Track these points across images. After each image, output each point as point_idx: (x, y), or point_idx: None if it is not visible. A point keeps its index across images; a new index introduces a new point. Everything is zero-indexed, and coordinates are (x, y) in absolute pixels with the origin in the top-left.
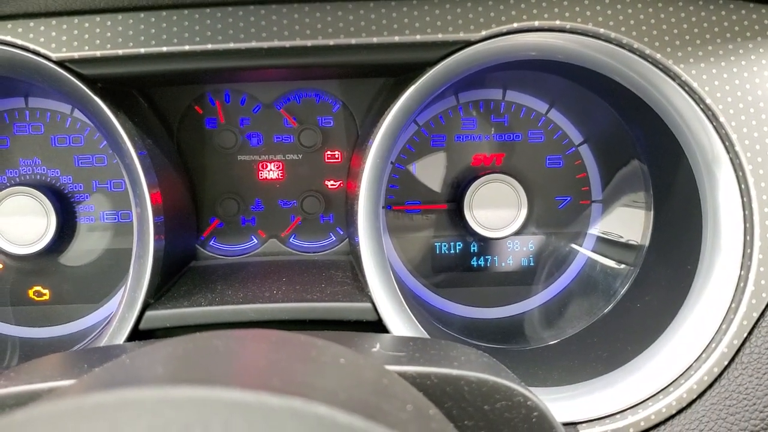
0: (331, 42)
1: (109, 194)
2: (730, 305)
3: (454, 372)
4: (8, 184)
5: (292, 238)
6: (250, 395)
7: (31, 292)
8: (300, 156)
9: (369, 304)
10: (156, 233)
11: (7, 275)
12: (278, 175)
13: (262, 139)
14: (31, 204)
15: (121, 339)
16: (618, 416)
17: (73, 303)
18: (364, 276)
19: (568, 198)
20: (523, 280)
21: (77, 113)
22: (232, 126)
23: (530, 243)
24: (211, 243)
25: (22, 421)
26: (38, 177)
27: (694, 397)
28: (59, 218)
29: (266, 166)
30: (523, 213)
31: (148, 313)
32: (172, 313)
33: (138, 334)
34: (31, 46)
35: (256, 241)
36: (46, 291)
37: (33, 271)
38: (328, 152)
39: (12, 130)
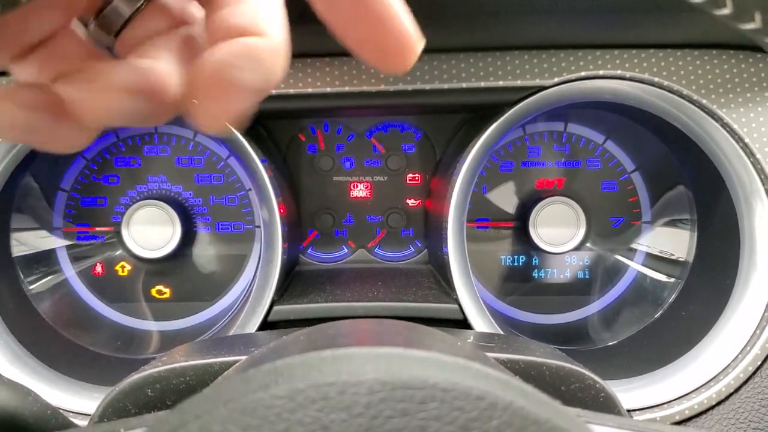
0: (428, 87)
1: (223, 208)
2: (763, 314)
3: (538, 359)
4: (138, 198)
5: (377, 249)
6: (424, 354)
7: (153, 291)
8: (386, 178)
9: (456, 306)
10: (283, 241)
11: (136, 276)
12: (367, 194)
13: (354, 163)
14: (159, 214)
15: (252, 329)
16: (666, 406)
17: (191, 301)
18: (451, 281)
19: (621, 218)
20: (580, 290)
21: (199, 137)
22: (329, 151)
23: (586, 258)
24: (309, 251)
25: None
26: (163, 192)
27: (732, 391)
28: (183, 227)
29: (357, 186)
30: (582, 231)
31: (276, 308)
32: (298, 308)
33: (264, 326)
34: None
35: (347, 251)
36: (167, 290)
37: (157, 272)
38: (410, 175)
39: (143, 151)
